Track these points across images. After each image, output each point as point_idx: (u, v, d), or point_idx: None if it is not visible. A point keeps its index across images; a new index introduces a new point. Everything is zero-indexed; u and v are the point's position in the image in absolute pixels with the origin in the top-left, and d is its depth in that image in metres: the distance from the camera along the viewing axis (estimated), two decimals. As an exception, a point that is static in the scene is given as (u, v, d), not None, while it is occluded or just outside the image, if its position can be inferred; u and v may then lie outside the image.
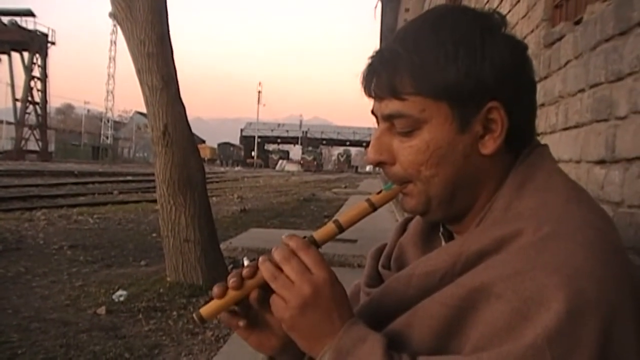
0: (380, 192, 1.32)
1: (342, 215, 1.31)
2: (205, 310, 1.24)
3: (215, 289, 1.23)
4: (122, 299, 6.46)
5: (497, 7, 4.93)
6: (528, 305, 0.99)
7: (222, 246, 8.06)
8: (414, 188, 1.26)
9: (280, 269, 1.18)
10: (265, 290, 1.21)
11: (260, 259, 1.21)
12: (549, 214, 1.12)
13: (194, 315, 1.25)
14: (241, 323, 1.29)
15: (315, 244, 1.25)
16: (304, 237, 1.26)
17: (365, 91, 1.28)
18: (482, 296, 1.07)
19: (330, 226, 1.30)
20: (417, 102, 1.19)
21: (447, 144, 1.20)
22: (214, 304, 1.23)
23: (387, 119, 1.25)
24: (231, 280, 1.21)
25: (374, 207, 1.31)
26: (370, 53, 1.29)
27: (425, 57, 1.17)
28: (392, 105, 1.21)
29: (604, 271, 1.01)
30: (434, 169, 1.21)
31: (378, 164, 1.29)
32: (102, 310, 6.05)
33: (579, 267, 1.00)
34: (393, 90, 1.20)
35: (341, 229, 1.30)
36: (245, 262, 1.26)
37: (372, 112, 1.30)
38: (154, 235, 11.15)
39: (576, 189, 1.22)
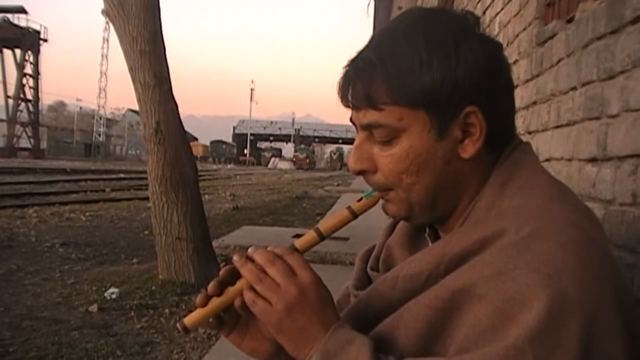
0: (360, 199, 1.32)
1: (323, 223, 1.32)
2: (189, 319, 1.24)
3: (198, 298, 1.23)
4: (114, 296, 6.45)
5: (489, 5, 4.94)
6: (510, 305, 0.99)
7: (215, 244, 8.07)
8: (396, 195, 1.26)
9: (265, 272, 1.18)
10: None
11: (236, 259, 1.21)
12: (531, 212, 1.12)
13: (178, 325, 1.24)
14: (225, 332, 1.30)
15: (297, 251, 1.25)
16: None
17: (342, 101, 1.28)
18: (465, 297, 1.07)
19: (311, 234, 1.30)
20: (394, 112, 1.18)
21: (427, 151, 1.20)
22: (197, 313, 1.23)
23: (365, 128, 1.24)
24: (209, 287, 1.22)
25: (354, 215, 1.31)
26: (347, 61, 1.27)
27: (400, 66, 1.17)
28: (370, 115, 1.21)
29: (585, 270, 1.01)
30: (415, 177, 1.21)
31: (359, 172, 1.29)
32: (94, 308, 6.05)
33: (560, 266, 1.00)
34: (369, 100, 1.20)
35: (322, 237, 1.30)
36: (235, 258, 1.26)
37: (351, 120, 1.30)
38: (146, 232, 11.16)
39: (559, 187, 1.22)
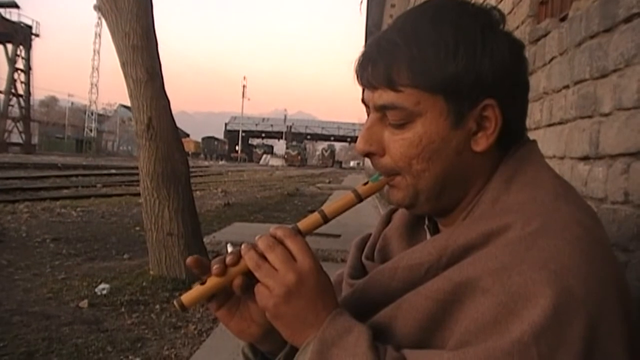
0: (366, 183, 1.31)
1: (328, 206, 1.29)
2: (186, 297, 1.21)
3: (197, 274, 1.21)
4: (104, 292, 6.43)
5: (483, 2, 4.94)
6: (515, 300, 0.99)
7: (206, 240, 8.07)
8: (402, 181, 1.25)
9: (265, 258, 1.16)
10: (249, 277, 1.19)
11: (243, 247, 1.19)
12: (537, 209, 1.11)
13: (175, 302, 1.21)
14: (214, 307, 1.29)
15: (299, 233, 1.23)
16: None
17: (358, 79, 1.27)
18: (468, 290, 1.06)
19: (315, 216, 1.29)
20: (413, 95, 1.17)
21: (441, 139, 1.19)
22: (195, 291, 1.21)
23: (379, 110, 1.23)
24: (214, 267, 1.19)
25: (359, 198, 1.29)
26: (368, 41, 1.27)
27: (424, 50, 1.16)
28: (386, 96, 1.20)
29: (590, 268, 1.01)
30: (425, 164, 1.20)
31: (367, 154, 1.27)
32: (84, 303, 6.03)
33: (566, 263, 1.00)
34: (389, 80, 1.18)
35: (326, 219, 1.28)
36: (229, 249, 1.24)
37: (363, 101, 1.29)
38: (137, 228, 11.13)
39: (564, 186, 1.22)
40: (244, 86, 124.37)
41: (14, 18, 75.25)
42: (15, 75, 74.97)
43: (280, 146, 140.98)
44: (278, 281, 1.14)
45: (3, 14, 73.13)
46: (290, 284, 1.13)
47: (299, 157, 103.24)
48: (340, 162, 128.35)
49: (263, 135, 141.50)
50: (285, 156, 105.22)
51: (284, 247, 1.17)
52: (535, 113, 3.13)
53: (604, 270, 1.04)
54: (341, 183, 34.38)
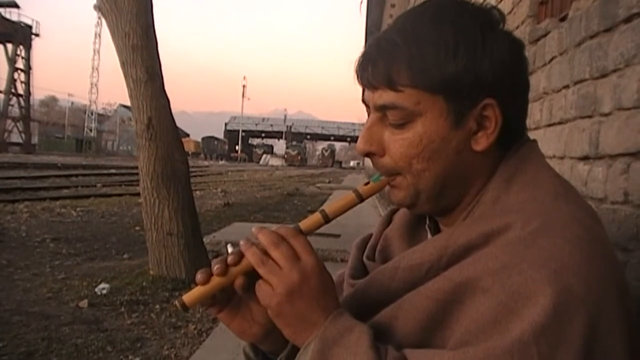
0: (367, 183, 1.30)
1: (329, 206, 1.28)
2: (188, 297, 1.20)
3: (199, 276, 1.19)
4: (104, 292, 6.44)
5: (482, 2, 4.94)
6: (515, 299, 0.98)
7: (206, 240, 8.07)
8: (403, 180, 1.24)
9: (268, 255, 1.16)
10: (250, 277, 1.19)
11: (243, 243, 1.19)
12: (537, 208, 1.11)
13: (176, 302, 1.21)
14: (215, 309, 1.29)
15: (301, 233, 1.23)
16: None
17: (358, 79, 1.26)
18: (468, 290, 1.06)
19: (316, 216, 1.28)
20: (413, 95, 1.17)
21: (441, 138, 1.18)
22: (197, 291, 1.20)
23: (379, 110, 1.23)
24: (216, 267, 1.18)
25: (361, 198, 1.29)
26: (368, 41, 1.27)
27: (424, 50, 1.16)
28: (387, 96, 1.19)
29: (590, 267, 1.01)
30: (426, 163, 1.20)
31: (367, 154, 1.27)
32: (84, 303, 6.03)
33: (566, 262, 1.00)
34: (389, 80, 1.18)
35: (327, 219, 1.27)
36: (229, 249, 1.24)
37: (363, 101, 1.28)
38: (137, 228, 11.13)
39: (564, 185, 1.21)
40: (243, 86, 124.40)
41: (14, 18, 75.34)
42: (15, 75, 75.02)
43: (280, 146, 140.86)
44: (282, 279, 1.13)
45: (3, 14, 73.14)
46: (294, 283, 1.13)
47: (299, 157, 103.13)
48: (340, 162, 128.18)
49: (263, 135, 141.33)
50: (285, 156, 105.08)
51: (289, 244, 1.17)
52: (535, 113, 3.13)
53: (604, 268, 1.04)
54: (341, 183, 34.40)
